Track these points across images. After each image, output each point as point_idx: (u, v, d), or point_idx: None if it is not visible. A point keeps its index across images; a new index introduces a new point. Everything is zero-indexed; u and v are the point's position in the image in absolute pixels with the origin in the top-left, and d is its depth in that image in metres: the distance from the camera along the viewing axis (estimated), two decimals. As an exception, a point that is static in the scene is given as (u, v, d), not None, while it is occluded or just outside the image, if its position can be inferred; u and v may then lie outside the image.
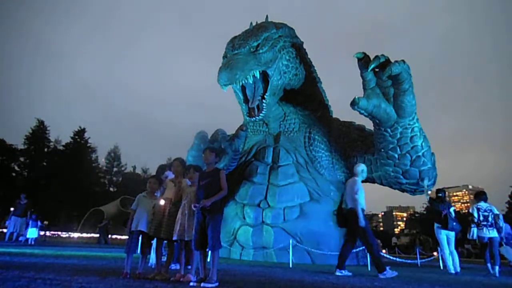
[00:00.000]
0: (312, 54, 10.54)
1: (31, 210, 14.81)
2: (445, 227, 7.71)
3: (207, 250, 3.99)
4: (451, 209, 7.98)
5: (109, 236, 23.12)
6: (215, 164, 4.37)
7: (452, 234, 7.82)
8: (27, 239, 14.12)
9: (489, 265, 7.46)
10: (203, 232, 3.92)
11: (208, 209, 3.92)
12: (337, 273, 5.78)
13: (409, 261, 11.71)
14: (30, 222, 14.33)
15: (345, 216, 6.33)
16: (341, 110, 11.60)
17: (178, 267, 4.69)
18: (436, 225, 7.96)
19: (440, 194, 8.37)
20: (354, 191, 6.04)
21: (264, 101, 8.95)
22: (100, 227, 21.36)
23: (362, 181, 10.07)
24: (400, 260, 10.36)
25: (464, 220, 9.22)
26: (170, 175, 5.50)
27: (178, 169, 4.68)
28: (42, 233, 18.56)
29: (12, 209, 14.91)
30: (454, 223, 7.71)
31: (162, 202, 4.47)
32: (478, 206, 7.66)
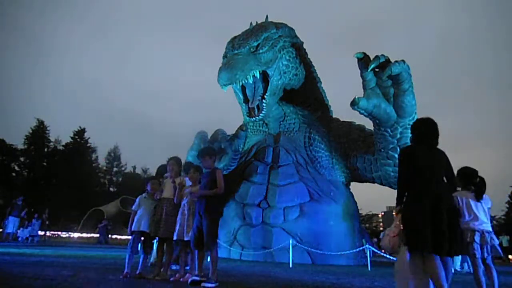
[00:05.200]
0: (309, 52, 10.53)
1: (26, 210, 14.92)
2: None
3: (205, 250, 4.00)
4: None
5: (109, 236, 23.17)
6: (213, 164, 4.36)
7: None
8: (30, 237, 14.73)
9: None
10: (200, 232, 3.92)
11: (206, 211, 3.91)
12: None
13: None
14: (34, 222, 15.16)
15: None
16: (341, 110, 11.60)
17: (178, 267, 4.69)
18: None
19: None
20: None
21: (264, 101, 8.95)
22: (100, 227, 21.43)
23: (361, 182, 10.14)
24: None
25: None
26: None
27: (175, 167, 4.68)
28: (41, 233, 18.62)
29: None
30: None
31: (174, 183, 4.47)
32: None
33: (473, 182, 3.64)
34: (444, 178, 2.98)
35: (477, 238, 3.47)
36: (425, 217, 2.72)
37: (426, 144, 3.05)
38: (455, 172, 3.25)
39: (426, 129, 3.11)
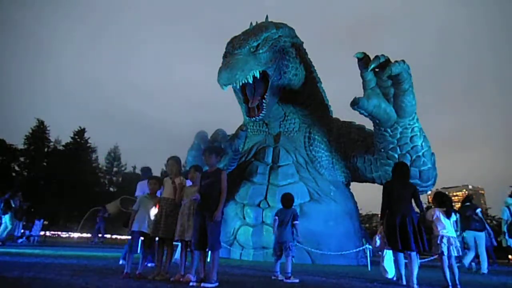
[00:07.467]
0: (309, 52, 10.51)
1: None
2: (467, 227, 8.03)
3: (207, 250, 3.99)
4: (477, 211, 8.23)
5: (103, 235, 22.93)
6: (216, 164, 4.35)
7: (479, 234, 8.00)
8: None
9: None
10: (202, 232, 3.91)
11: (210, 212, 3.91)
12: None
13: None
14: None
15: None
16: (341, 110, 11.59)
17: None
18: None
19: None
20: None
21: (264, 101, 8.94)
22: (99, 218, 21.41)
23: (361, 182, 10.14)
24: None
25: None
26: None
27: (173, 168, 4.67)
28: (42, 233, 18.61)
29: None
30: (477, 223, 8.05)
31: (153, 212, 4.47)
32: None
33: (444, 203, 4.87)
34: (413, 202, 4.69)
35: (444, 241, 4.58)
36: (395, 228, 4.52)
37: (399, 179, 4.88)
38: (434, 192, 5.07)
39: (398, 170, 4.99)
